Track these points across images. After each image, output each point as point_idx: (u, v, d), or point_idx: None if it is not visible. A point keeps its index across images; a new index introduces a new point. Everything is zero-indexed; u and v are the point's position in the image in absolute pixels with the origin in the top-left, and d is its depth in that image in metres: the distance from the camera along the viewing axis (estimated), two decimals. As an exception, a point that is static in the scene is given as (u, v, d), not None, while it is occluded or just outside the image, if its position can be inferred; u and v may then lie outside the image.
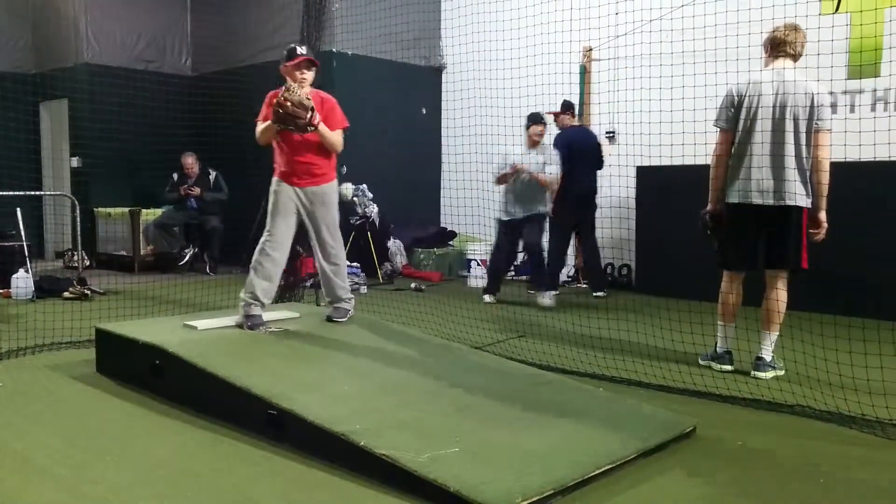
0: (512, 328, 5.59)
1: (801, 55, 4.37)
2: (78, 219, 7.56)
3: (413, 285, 8.02)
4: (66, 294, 7.14)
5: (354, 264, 8.29)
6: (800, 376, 4.09)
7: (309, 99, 4.30)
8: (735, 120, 4.37)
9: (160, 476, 2.92)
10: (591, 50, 8.19)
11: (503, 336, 5.45)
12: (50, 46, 10.41)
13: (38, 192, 9.44)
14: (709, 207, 4.51)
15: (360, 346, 4.30)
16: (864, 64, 6.37)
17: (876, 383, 3.72)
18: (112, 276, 8.10)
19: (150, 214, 9.41)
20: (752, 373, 4.42)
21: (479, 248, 8.34)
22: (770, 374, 4.41)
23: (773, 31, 4.38)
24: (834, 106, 6.66)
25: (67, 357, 4.81)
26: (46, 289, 7.25)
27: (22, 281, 7.17)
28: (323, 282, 4.82)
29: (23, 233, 7.92)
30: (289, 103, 4.23)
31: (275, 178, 4.63)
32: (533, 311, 6.58)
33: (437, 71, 9.85)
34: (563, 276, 8.26)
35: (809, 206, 4.29)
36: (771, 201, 4.27)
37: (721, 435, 3.41)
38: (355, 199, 8.66)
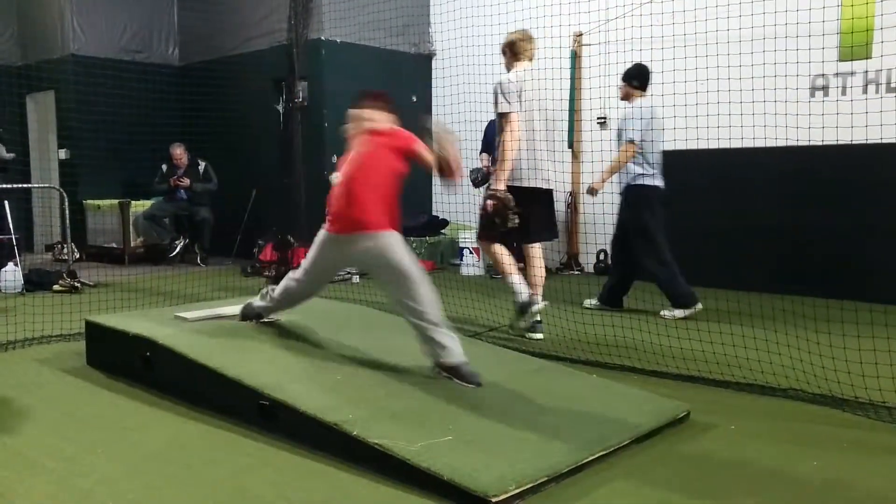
0: (505, 316, 5.57)
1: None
2: (67, 211, 7.50)
3: (405, 274, 7.97)
4: (56, 287, 7.08)
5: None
6: (793, 360, 4.09)
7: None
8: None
9: (151, 468, 2.90)
10: (581, 35, 8.15)
11: (496, 324, 5.44)
12: (36, 38, 10.28)
13: (26, 185, 9.35)
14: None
15: (352, 335, 4.27)
16: (855, 45, 6.34)
17: (869, 366, 3.72)
18: (102, 269, 8.05)
19: (139, 206, 9.33)
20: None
21: (471, 237, 8.31)
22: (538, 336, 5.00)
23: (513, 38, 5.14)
24: (825, 88, 6.68)
25: (57, 350, 4.78)
26: (36, 282, 7.20)
27: (11, 274, 7.11)
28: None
29: (11, 226, 7.86)
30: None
31: None
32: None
33: (427, 58, 9.78)
34: (555, 263, 8.28)
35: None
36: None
37: (714, 420, 3.41)
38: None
